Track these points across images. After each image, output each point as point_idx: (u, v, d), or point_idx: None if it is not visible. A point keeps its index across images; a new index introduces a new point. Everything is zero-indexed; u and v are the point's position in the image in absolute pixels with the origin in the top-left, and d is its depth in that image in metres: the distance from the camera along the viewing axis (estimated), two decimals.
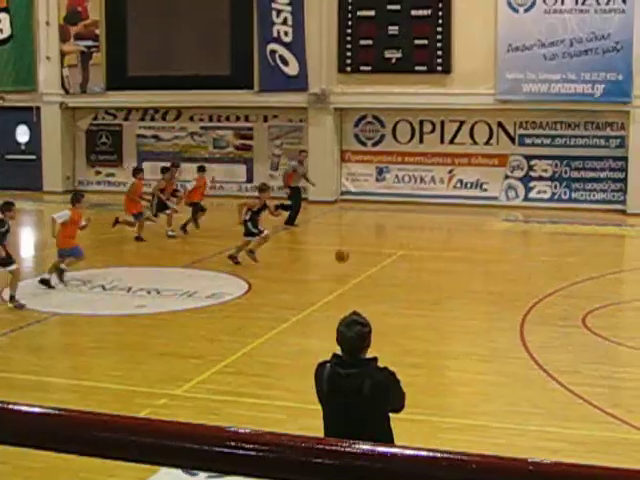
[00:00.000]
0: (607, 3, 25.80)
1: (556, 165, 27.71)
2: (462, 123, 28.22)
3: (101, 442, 2.03)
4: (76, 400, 10.68)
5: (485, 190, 28.26)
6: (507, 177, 28.09)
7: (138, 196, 22.37)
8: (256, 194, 20.43)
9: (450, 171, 28.48)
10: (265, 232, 19.11)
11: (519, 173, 28.02)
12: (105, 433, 2.03)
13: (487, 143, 28.15)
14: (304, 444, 1.91)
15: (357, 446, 1.92)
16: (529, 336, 13.59)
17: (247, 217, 18.97)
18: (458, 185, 28.45)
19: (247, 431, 1.97)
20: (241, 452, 1.91)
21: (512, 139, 27.99)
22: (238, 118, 30.50)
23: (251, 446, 1.92)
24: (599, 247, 21.95)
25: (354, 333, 6.44)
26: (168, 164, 24.50)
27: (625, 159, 26.68)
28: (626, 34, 25.73)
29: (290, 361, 12.45)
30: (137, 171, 23.34)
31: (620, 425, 10.00)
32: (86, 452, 2.06)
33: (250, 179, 29.94)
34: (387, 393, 6.47)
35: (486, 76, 26.94)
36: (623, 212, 26.49)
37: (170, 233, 22.29)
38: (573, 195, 27.64)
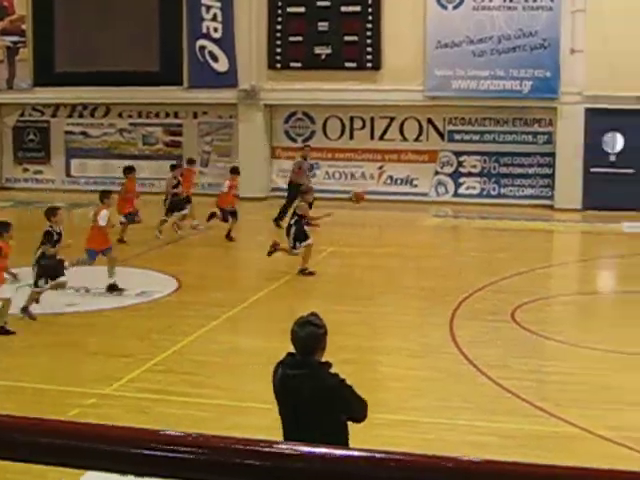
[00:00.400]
0: (535, 0, 26.06)
1: (485, 161, 27.95)
2: (392, 119, 28.32)
3: (24, 446, 1.99)
4: (3, 401, 10.51)
5: (415, 186, 28.40)
6: (437, 173, 28.25)
7: (131, 195, 21.72)
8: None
9: (380, 167, 28.57)
10: (277, 244, 18.13)
11: (449, 169, 28.19)
12: (26, 437, 1.99)
13: (417, 139, 28.29)
14: (222, 444, 1.89)
15: (277, 446, 1.90)
16: (459, 331, 13.68)
17: (292, 221, 18.18)
18: (388, 181, 28.55)
19: (169, 433, 1.94)
20: (162, 454, 1.88)
21: (441, 135, 28.17)
22: (167, 114, 30.29)
23: (172, 447, 1.89)
24: (528, 242, 22.17)
25: (305, 333, 6.41)
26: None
27: (553, 155, 26.97)
28: (553, 31, 26.02)
29: (220, 359, 12.41)
30: (128, 170, 22.36)
31: (549, 418, 10.10)
32: (11, 457, 2.02)
33: None
34: (332, 399, 6.35)
35: (415, 72, 27.07)
36: (551, 207, 26.77)
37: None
38: (502, 191, 27.88)
